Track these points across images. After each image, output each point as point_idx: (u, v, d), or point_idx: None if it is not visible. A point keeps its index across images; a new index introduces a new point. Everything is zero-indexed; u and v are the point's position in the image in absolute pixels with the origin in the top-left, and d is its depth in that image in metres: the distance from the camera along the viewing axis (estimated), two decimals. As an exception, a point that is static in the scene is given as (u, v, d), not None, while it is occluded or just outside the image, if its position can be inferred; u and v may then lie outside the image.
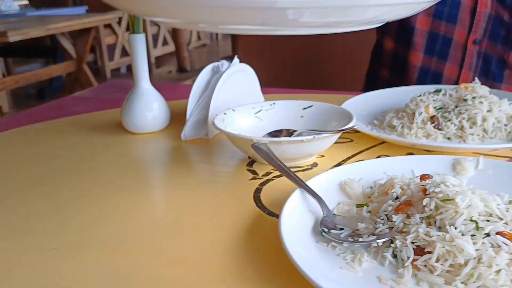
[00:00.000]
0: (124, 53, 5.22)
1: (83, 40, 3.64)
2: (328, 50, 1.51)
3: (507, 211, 0.42)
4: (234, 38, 1.72)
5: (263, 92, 0.89)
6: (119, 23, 5.02)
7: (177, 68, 5.21)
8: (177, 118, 0.85)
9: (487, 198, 0.43)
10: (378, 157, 0.67)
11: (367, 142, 0.72)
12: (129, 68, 5.39)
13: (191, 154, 0.75)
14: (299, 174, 0.63)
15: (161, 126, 0.82)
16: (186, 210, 0.56)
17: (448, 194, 0.43)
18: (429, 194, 0.44)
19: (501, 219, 0.42)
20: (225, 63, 0.82)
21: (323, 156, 0.69)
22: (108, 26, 4.88)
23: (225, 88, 0.79)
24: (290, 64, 1.60)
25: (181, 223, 0.53)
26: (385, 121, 0.75)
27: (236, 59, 0.83)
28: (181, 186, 0.63)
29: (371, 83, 1.14)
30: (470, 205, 0.41)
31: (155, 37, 5.52)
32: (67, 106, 1.04)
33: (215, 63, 0.82)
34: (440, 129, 0.69)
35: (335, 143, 0.72)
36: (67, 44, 3.74)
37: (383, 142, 0.71)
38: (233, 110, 0.74)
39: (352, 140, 0.74)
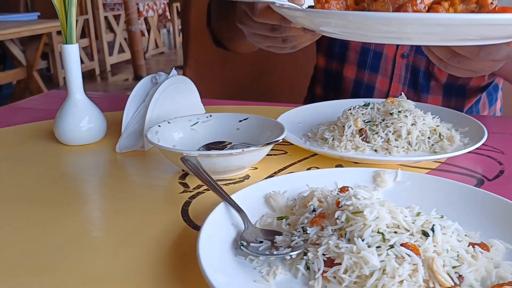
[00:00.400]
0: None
1: (33, 46, 3.53)
2: (277, 63, 1.54)
3: (413, 223, 0.44)
4: (186, 49, 1.72)
5: (209, 103, 0.89)
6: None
7: (133, 76, 5.13)
8: (114, 130, 0.84)
9: (394, 210, 0.45)
10: (309, 169, 0.69)
11: (300, 154, 0.74)
12: (85, 76, 5.27)
13: (125, 167, 0.74)
14: (230, 187, 0.64)
15: (96, 138, 0.81)
16: (112, 225, 0.56)
17: (358, 207, 0.44)
18: (341, 206, 0.46)
19: (408, 230, 0.44)
20: (162, 74, 0.82)
21: (256, 168, 0.70)
22: (61, 32, 4.76)
23: (162, 100, 0.79)
24: (240, 75, 1.61)
25: (105, 238, 0.53)
26: (318, 134, 0.77)
27: (174, 71, 0.83)
28: (110, 200, 0.62)
29: (311, 98, 1.17)
30: (377, 217, 0.43)
31: (111, 45, 5.43)
32: (3, 116, 1.00)
33: (153, 75, 0.82)
34: (368, 142, 0.72)
35: (270, 155, 0.74)
36: (16, 51, 3.61)
37: (315, 154, 0.73)
38: (169, 123, 0.74)
39: (286, 152, 0.76)
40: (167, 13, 6.16)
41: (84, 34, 5.13)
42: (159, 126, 0.72)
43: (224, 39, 0.99)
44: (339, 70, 1.06)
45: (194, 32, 1.60)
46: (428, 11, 0.53)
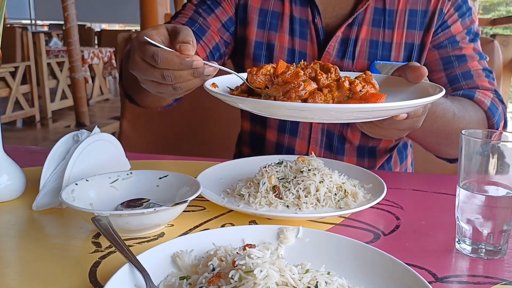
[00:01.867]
0: (18, 106, 4.96)
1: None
2: (213, 117, 1.59)
3: (300, 280, 0.48)
4: (123, 101, 1.74)
5: (138, 158, 0.91)
6: (13, 75, 4.79)
7: (75, 123, 5.03)
8: (33, 187, 0.83)
9: (283, 269, 0.48)
10: (223, 225, 0.72)
11: (217, 210, 0.77)
12: (25, 122, 5.11)
13: (41, 226, 0.74)
14: (143, 245, 0.66)
15: (13, 195, 0.80)
16: (21, 285, 0.55)
17: (250, 266, 0.47)
18: (236, 266, 0.49)
19: (295, 287, 0.47)
20: (84, 132, 0.83)
21: (172, 225, 0.72)
22: (1, 78, 4.65)
23: (83, 158, 0.80)
24: (176, 128, 1.65)
25: (5, 303, 0.52)
26: (236, 190, 0.81)
27: (96, 129, 0.85)
28: (24, 262, 0.62)
29: (239, 155, 1.21)
30: (267, 275, 0.47)
31: (53, 91, 5.33)
32: None
33: (75, 132, 0.84)
34: (280, 198, 0.76)
35: (188, 211, 0.76)
36: None
37: (232, 210, 0.77)
38: (87, 180, 0.75)
39: (204, 208, 0.78)
40: (113, 61, 6.17)
41: (25, 80, 5.02)
42: (76, 184, 0.73)
43: (133, 94, 1.02)
44: (262, 134, 1.12)
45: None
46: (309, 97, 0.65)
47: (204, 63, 0.65)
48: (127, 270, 0.53)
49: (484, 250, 0.61)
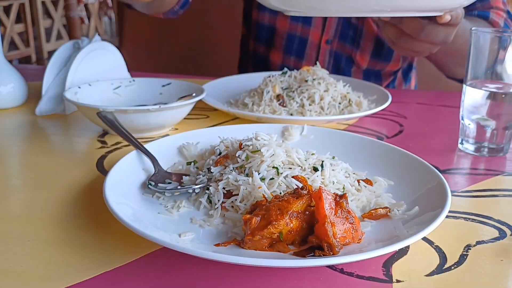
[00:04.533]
0: (13, 46, 4.85)
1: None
2: (211, 37, 1.56)
3: (306, 160, 0.49)
4: (121, 34, 1.70)
5: (138, 75, 0.89)
6: (6, 13, 4.65)
7: (72, 64, 4.94)
8: (35, 96, 0.83)
9: (290, 150, 0.49)
10: (227, 130, 0.72)
11: (221, 117, 0.77)
12: (21, 63, 5.02)
13: (44, 128, 0.74)
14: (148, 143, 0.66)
15: (16, 102, 0.80)
16: (30, 175, 0.56)
17: (257, 146, 0.48)
18: (243, 147, 0.49)
19: (300, 166, 0.48)
20: (85, 39, 0.82)
21: (176, 129, 0.72)
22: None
23: (84, 65, 0.79)
24: (176, 56, 1.62)
25: (22, 185, 0.53)
26: (239, 100, 0.80)
27: (97, 36, 0.83)
28: (29, 155, 0.62)
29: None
30: (273, 154, 0.47)
31: (48, 31, 5.20)
32: None
33: (76, 40, 0.82)
34: (284, 106, 0.76)
35: (191, 118, 0.76)
36: None
37: (236, 118, 0.77)
38: (89, 85, 0.75)
39: (208, 117, 0.78)
40: (109, 0, 5.98)
41: (19, 19, 4.87)
42: (79, 87, 0.73)
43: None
44: (266, 55, 1.10)
45: (129, 16, 1.60)
46: None
47: None
48: (135, 155, 0.53)
49: (486, 149, 0.62)
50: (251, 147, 0.48)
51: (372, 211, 0.44)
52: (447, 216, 0.45)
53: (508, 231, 0.44)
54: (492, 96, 0.60)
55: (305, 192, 0.40)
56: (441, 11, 0.66)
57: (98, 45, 0.81)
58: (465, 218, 0.46)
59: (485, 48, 0.59)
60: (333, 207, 0.38)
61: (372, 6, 0.60)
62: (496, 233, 0.43)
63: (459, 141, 0.65)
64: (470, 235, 0.43)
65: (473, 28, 0.60)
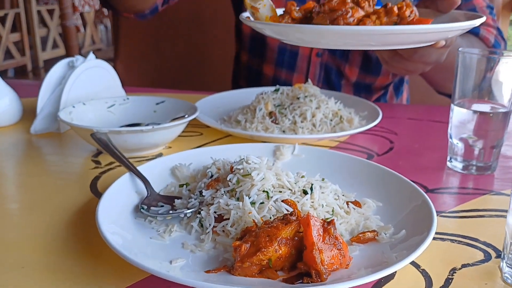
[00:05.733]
0: (9, 55, 4.86)
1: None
2: (207, 54, 1.58)
3: (296, 183, 0.50)
4: (116, 45, 1.71)
5: (133, 90, 0.90)
6: (2, 22, 4.66)
7: (68, 73, 4.94)
8: (30, 114, 0.84)
9: (280, 173, 0.50)
10: (220, 148, 0.73)
11: (215, 135, 0.78)
12: (17, 72, 5.02)
13: (39, 147, 0.75)
14: (142, 163, 0.67)
15: (11, 120, 0.81)
16: (25, 198, 0.57)
17: (247, 170, 0.49)
18: (234, 171, 0.50)
19: (290, 190, 0.49)
20: (80, 58, 0.83)
21: (170, 147, 0.73)
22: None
23: (79, 83, 0.80)
24: (171, 67, 1.63)
25: (18, 209, 0.54)
26: (232, 117, 0.81)
27: (91, 55, 0.84)
28: (24, 177, 0.63)
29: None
30: (263, 178, 0.48)
31: (44, 40, 5.21)
32: None
33: (70, 58, 0.83)
34: (277, 124, 0.77)
35: (185, 136, 0.77)
36: None
37: (229, 135, 0.78)
38: (84, 104, 0.75)
39: (201, 134, 0.79)
40: (104, 9, 6.00)
41: (15, 28, 4.88)
42: (73, 107, 0.74)
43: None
44: (260, 68, 1.12)
45: (124, 27, 1.60)
46: (358, 23, 0.62)
47: None
48: (128, 178, 0.54)
49: (475, 167, 0.63)
50: (241, 170, 0.49)
51: (360, 235, 0.45)
52: (434, 238, 0.45)
53: (493, 253, 0.45)
54: (479, 115, 0.61)
55: (294, 218, 0.41)
56: (435, 41, 0.67)
57: (93, 63, 0.82)
58: (451, 240, 0.47)
59: (472, 69, 0.60)
60: (321, 234, 0.39)
61: (364, 42, 0.61)
62: (481, 256, 0.44)
63: (448, 159, 0.66)
64: (456, 258, 0.44)
65: (460, 49, 0.61)
